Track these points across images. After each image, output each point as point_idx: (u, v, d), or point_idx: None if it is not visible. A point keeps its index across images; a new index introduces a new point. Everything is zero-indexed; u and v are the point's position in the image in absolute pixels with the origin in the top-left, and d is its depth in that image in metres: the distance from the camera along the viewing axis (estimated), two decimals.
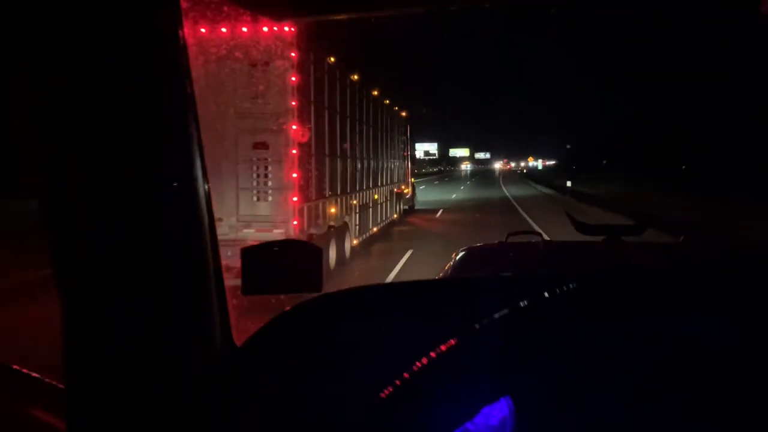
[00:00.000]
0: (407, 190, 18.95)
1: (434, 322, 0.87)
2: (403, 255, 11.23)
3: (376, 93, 13.04)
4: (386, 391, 0.72)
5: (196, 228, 0.80)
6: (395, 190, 16.11)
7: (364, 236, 11.77)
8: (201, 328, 0.81)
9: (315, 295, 1.03)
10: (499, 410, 0.84)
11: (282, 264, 1.09)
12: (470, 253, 2.99)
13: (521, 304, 0.82)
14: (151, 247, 0.75)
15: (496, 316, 0.79)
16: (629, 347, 0.80)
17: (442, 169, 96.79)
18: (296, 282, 1.09)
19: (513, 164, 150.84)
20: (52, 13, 0.70)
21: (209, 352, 0.82)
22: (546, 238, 3.25)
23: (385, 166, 14.39)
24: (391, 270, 9.86)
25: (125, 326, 0.74)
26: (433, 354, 0.74)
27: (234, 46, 7.18)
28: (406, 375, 0.72)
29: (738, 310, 0.80)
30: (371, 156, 12.58)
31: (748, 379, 0.81)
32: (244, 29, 7.24)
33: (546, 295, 0.85)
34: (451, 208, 23.97)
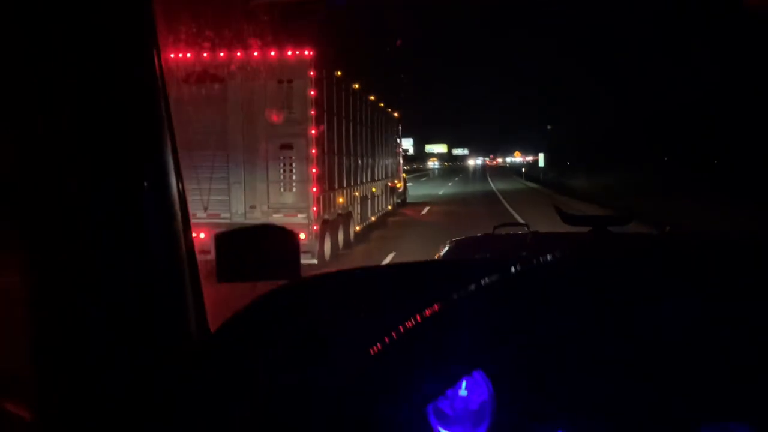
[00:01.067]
0: (399, 185, 20.71)
1: (410, 302, 0.86)
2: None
3: (372, 98, 14.81)
4: (363, 364, 0.75)
5: (167, 220, 0.81)
6: (389, 184, 17.89)
7: (364, 224, 13.55)
8: (174, 315, 0.82)
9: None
10: (478, 395, 0.86)
11: (258, 250, 1.07)
12: (457, 245, 2.99)
13: (496, 283, 0.85)
14: (123, 240, 0.76)
15: (471, 293, 0.82)
16: (604, 329, 0.84)
17: (415, 167, 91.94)
18: (273, 268, 1.08)
19: (499, 160, 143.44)
20: (32, 19, 0.70)
21: (184, 338, 0.82)
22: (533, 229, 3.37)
23: (380, 162, 16.16)
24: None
25: (97, 314, 0.74)
26: (408, 327, 0.77)
27: (265, 67, 8.94)
28: (380, 348, 0.75)
29: (705, 296, 0.83)
30: (369, 153, 14.36)
31: (713, 363, 0.83)
32: (272, 53, 8.99)
33: (519, 276, 0.89)
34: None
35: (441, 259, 2.71)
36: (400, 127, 20.52)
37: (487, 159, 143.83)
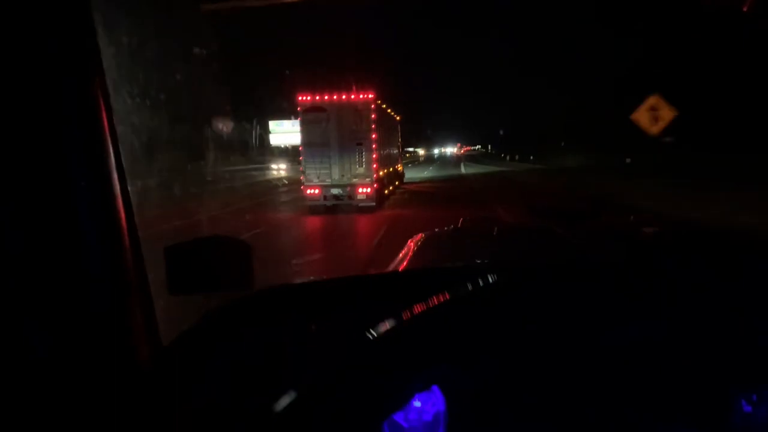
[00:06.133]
0: (400, 168, 29.43)
1: (368, 317, 0.86)
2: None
3: (389, 110, 23.41)
4: (322, 379, 0.74)
5: (111, 228, 0.77)
6: (396, 167, 26.54)
7: (387, 190, 22.22)
8: (121, 329, 0.78)
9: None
10: (432, 405, 0.85)
11: (210, 262, 1.06)
12: (424, 240, 2.97)
13: (454, 299, 0.85)
14: (62, 248, 0.72)
15: (426, 309, 0.83)
16: (556, 344, 0.83)
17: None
18: (226, 280, 1.06)
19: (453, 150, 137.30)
20: None
21: (132, 352, 0.79)
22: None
23: (392, 153, 24.76)
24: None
25: (38, 330, 0.70)
26: (366, 342, 0.77)
27: (351, 104, 17.51)
28: (339, 363, 0.74)
29: (662, 313, 0.84)
30: (389, 146, 22.97)
31: (667, 375, 0.84)
32: (353, 96, 17.53)
33: (473, 290, 0.87)
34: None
35: (410, 253, 2.68)
36: (399, 126, 29.12)
37: (454, 149, 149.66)
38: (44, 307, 0.71)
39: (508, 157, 55.08)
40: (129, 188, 0.82)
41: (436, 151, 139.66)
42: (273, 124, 54.12)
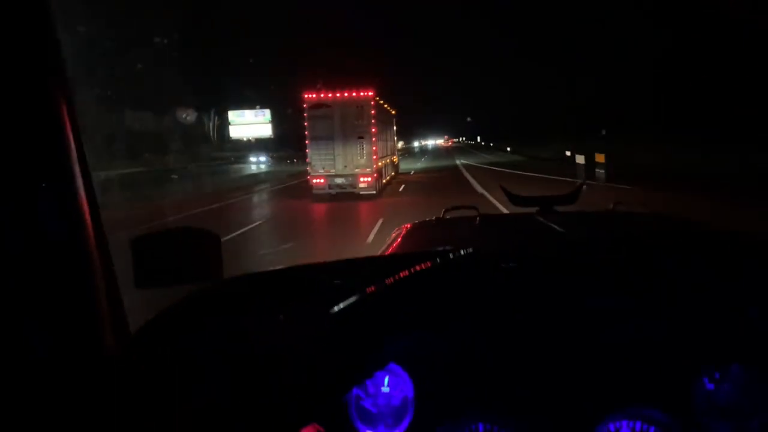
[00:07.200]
0: (396, 159, 31.18)
1: (330, 297, 0.87)
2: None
3: (386, 105, 25.07)
4: (282, 360, 0.74)
5: (75, 222, 0.77)
6: (392, 158, 28.27)
7: (385, 179, 23.93)
8: (87, 320, 0.78)
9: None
10: (400, 391, 0.87)
11: (178, 253, 1.05)
12: (408, 230, 2.93)
13: (416, 276, 0.86)
14: (27, 243, 0.72)
15: (392, 287, 0.83)
16: (520, 328, 0.85)
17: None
18: (194, 271, 1.05)
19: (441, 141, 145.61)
20: None
21: (99, 343, 0.79)
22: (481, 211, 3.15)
23: (388, 145, 26.48)
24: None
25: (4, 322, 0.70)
26: (327, 320, 0.78)
27: (353, 100, 19.18)
28: (299, 342, 0.75)
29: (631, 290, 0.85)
30: (386, 139, 24.67)
31: (621, 361, 0.85)
32: (354, 94, 19.18)
33: (437, 272, 0.89)
34: None
35: (394, 244, 2.64)
36: (394, 119, 30.79)
37: (441, 140, 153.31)
38: (6, 300, 0.70)
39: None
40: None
41: (416, 143, 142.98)
42: (233, 115, 48.04)
